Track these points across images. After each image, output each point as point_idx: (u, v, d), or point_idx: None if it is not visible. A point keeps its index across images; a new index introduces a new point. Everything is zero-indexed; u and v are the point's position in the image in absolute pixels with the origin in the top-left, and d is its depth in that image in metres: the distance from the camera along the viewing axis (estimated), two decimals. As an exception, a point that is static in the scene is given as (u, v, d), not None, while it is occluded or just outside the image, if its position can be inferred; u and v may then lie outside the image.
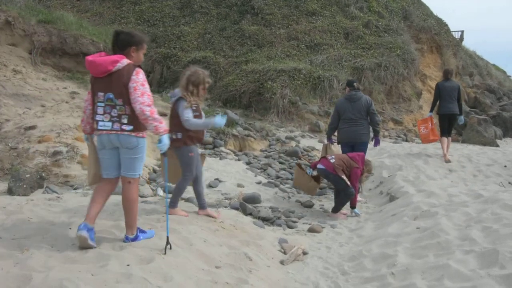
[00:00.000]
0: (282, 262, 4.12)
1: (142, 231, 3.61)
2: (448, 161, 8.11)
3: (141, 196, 5.48)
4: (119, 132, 3.31)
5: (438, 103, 8.52)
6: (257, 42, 15.40)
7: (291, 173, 8.01)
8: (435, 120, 9.15)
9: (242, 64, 14.11)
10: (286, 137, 10.31)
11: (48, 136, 6.47)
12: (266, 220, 5.40)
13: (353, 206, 6.05)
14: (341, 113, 6.87)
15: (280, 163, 8.56)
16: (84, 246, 3.20)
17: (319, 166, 6.07)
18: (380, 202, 6.65)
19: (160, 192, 5.95)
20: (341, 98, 7.45)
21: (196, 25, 16.75)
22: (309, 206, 6.40)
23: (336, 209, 6.03)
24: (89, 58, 3.33)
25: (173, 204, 4.43)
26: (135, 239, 3.49)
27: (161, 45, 15.83)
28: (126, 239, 3.46)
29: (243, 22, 16.32)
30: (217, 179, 6.77)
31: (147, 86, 3.33)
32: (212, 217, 4.56)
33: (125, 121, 3.31)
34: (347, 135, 6.72)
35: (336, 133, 7.17)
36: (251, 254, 3.89)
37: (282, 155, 9.06)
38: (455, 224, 4.45)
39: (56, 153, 6.05)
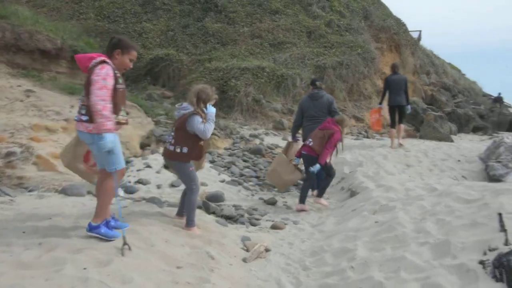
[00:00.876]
0: (244, 260, 4.14)
1: (109, 227, 3.60)
2: (400, 145, 8.96)
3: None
4: (80, 127, 3.49)
5: (387, 95, 9.34)
6: (221, 40, 15.35)
7: (255, 171, 8.04)
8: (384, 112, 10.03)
9: (206, 62, 14.04)
10: (250, 135, 10.34)
11: (1, 136, 6.22)
12: (229, 218, 5.40)
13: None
14: (304, 111, 7.03)
15: (244, 161, 8.58)
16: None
17: (303, 152, 6.21)
18: (342, 197, 6.80)
19: (121, 192, 5.82)
20: (305, 96, 7.63)
21: (158, 22, 16.50)
22: (273, 203, 6.45)
23: (322, 193, 6.40)
24: (77, 55, 3.63)
25: (192, 223, 4.36)
26: (95, 228, 3.48)
27: (122, 42, 15.48)
28: (88, 226, 3.50)
29: (207, 19, 16.21)
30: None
31: (109, 81, 3.36)
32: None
33: (83, 111, 3.47)
34: (310, 133, 6.83)
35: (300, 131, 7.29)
36: (214, 253, 3.88)
37: (246, 153, 9.09)
38: (411, 217, 4.60)
39: (9, 154, 5.82)
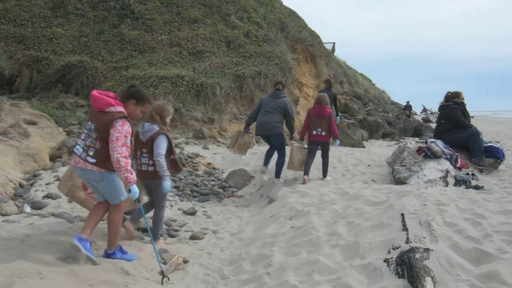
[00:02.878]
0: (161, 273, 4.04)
1: (123, 251, 3.96)
2: None
3: (3, 214, 4.95)
4: (86, 166, 3.68)
5: None
6: (138, 48, 14.99)
7: (174, 181, 7.92)
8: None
9: (122, 70, 13.62)
10: (170, 145, 10.17)
11: None
12: (145, 231, 5.25)
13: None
14: (262, 106, 7.57)
15: (163, 171, 8.41)
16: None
17: (321, 140, 7.31)
18: (261, 204, 6.91)
19: (27, 208, 5.42)
20: (267, 94, 8.53)
21: (70, 27, 15.71)
22: (192, 213, 6.39)
23: (326, 173, 7.50)
24: (94, 92, 3.73)
25: (157, 237, 4.71)
26: (111, 254, 3.87)
27: (30, 47, 14.53)
28: (104, 253, 3.88)
29: (123, 26, 15.75)
30: (94, 191, 6.41)
31: (129, 138, 3.67)
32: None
33: (91, 153, 3.67)
34: (263, 124, 7.48)
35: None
36: (128, 268, 3.75)
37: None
38: (325, 221, 4.81)
39: None
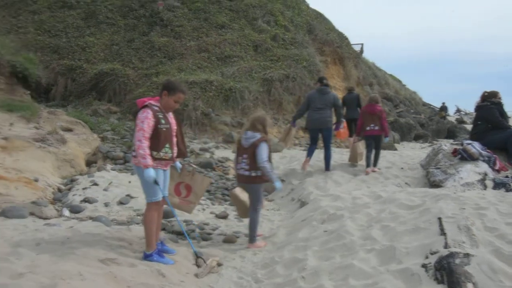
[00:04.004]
0: (196, 276, 4.09)
1: (161, 255, 4.02)
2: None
3: (44, 218, 5.13)
4: (133, 162, 4.00)
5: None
6: (168, 54, 15.24)
7: (205, 185, 7.99)
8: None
9: (153, 76, 13.87)
10: (200, 149, 10.29)
11: None
12: (179, 234, 5.32)
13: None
14: (310, 103, 8.16)
15: (194, 175, 8.50)
16: None
17: (375, 134, 8.13)
18: (292, 208, 6.89)
19: (66, 212, 5.60)
20: (312, 90, 8.82)
21: (102, 36, 16.14)
22: (224, 217, 6.43)
23: (377, 163, 8.27)
24: (137, 100, 4.04)
25: (253, 239, 5.03)
26: (148, 256, 3.93)
27: (65, 56, 15.01)
28: (143, 255, 3.97)
29: (152, 33, 16.06)
30: (128, 195, 6.53)
31: (146, 122, 3.78)
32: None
33: (133, 148, 3.92)
34: (315, 121, 8.14)
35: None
36: (164, 270, 3.81)
37: (196, 167, 9.01)
38: (358, 225, 4.75)
39: None
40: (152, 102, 3.94)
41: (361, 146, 8.53)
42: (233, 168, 9.50)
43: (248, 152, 4.92)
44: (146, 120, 3.78)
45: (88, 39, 15.77)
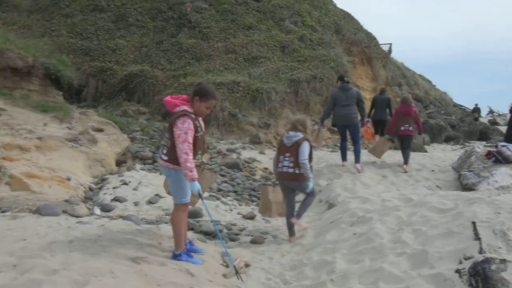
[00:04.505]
0: (224, 276, 4.10)
1: (189, 255, 4.05)
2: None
3: (76, 216, 5.25)
4: (160, 161, 4.00)
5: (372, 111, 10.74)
6: (195, 55, 15.39)
7: (232, 186, 8.03)
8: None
9: (181, 78, 14.03)
10: (227, 150, 10.34)
11: (-29, 157, 6.04)
12: (207, 234, 5.36)
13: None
14: (336, 100, 8.48)
15: (222, 175, 8.56)
16: None
17: (407, 134, 8.58)
18: (320, 210, 6.83)
19: (97, 211, 5.72)
20: (336, 89, 9.03)
21: (132, 38, 16.43)
22: (251, 218, 6.44)
23: (407, 161, 8.64)
24: (167, 98, 4.02)
25: (300, 216, 5.43)
26: (177, 256, 3.96)
27: (96, 58, 15.35)
28: (172, 254, 4.01)
29: (180, 35, 16.25)
30: (157, 194, 6.63)
31: (190, 134, 3.78)
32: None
33: (164, 151, 3.95)
34: (342, 117, 8.47)
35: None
36: (193, 270, 3.84)
37: (223, 167, 9.06)
38: (388, 228, 4.67)
39: (-20, 175, 5.65)
40: (187, 109, 3.87)
41: (387, 146, 8.98)
42: (261, 169, 9.51)
43: (291, 151, 5.19)
44: (189, 132, 3.78)
45: (118, 41, 16.09)
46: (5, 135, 7.00)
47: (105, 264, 3.41)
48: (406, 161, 8.63)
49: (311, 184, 5.29)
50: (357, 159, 8.53)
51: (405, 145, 8.70)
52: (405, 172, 8.39)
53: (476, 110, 26.60)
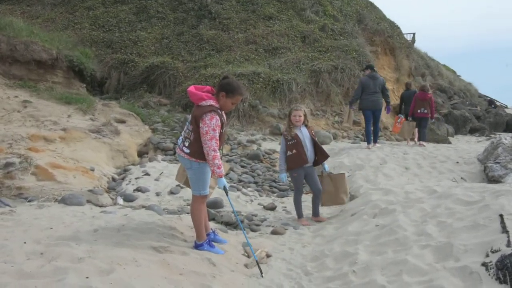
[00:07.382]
0: (246, 266, 4.12)
1: (211, 245, 4.08)
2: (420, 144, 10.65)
3: (100, 206, 5.34)
4: (181, 153, 3.95)
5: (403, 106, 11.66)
6: (216, 47, 15.39)
7: (253, 177, 8.03)
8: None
9: (201, 69, 14.07)
10: (248, 141, 10.34)
11: (0, 147, 6.20)
12: (229, 224, 5.39)
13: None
14: (364, 87, 9.55)
15: (242, 166, 8.57)
16: None
17: (423, 116, 10.42)
18: (341, 201, 6.77)
19: (120, 201, 5.81)
20: (364, 77, 9.97)
21: (153, 30, 16.54)
22: (272, 208, 6.44)
23: (424, 138, 10.60)
24: (190, 88, 3.94)
25: (300, 215, 5.84)
26: (199, 246, 4.00)
27: (117, 51, 15.53)
28: (194, 244, 4.06)
29: (201, 26, 16.26)
30: (178, 185, 6.69)
31: (217, 131, 3.78)
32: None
33: (186, 143, 3.92)
34: (369, 103, 9.58)
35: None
36: (215, 259, 3.86)
37: (243, 158, 9.08)
38: (412, 220, 4.59)
39: (8, 165, 5.79)
40: (214, 104, 3.82)
41: (412, 126, 10.62)
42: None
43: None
44: (217, 128, 3.77)
45: (140, 33, 16.22)
46: (30, 127, 7.16)
47: (129, 253, 3.46)
48: (423, 139, 10.43)
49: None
50: (375, 138, 9.87)
51: (422, 125, 10.46)
52: (423, 145, 10.08)
53: (490, 102, 26.12)
